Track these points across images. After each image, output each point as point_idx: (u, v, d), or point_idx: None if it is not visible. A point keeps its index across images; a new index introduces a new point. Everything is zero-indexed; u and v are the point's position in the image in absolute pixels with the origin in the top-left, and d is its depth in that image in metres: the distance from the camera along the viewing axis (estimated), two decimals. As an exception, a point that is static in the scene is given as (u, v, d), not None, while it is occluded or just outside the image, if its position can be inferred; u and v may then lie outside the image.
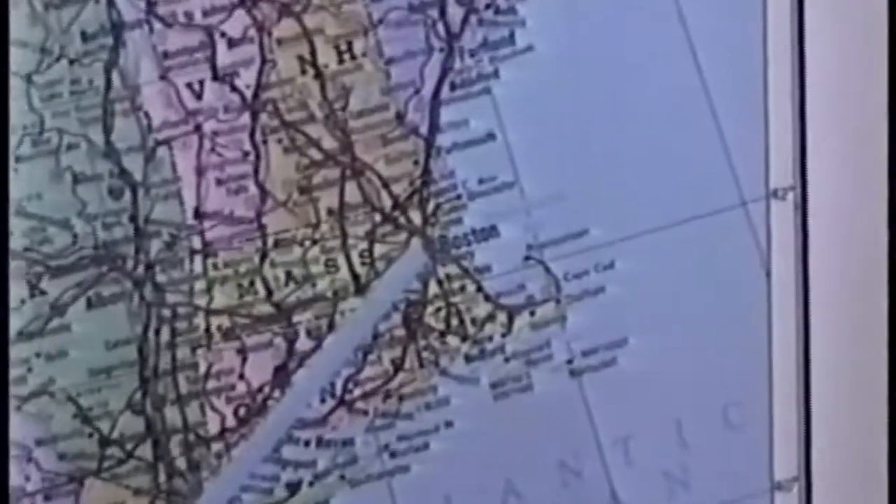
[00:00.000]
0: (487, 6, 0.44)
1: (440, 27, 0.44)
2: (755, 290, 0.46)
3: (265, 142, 0.44)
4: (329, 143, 0.44)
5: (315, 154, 0.45)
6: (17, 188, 0.44)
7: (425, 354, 0.45)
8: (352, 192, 0.45)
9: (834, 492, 0.47)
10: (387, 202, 0.45)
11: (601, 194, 0.46)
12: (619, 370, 0.46)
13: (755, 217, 0.46)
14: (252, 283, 0.45)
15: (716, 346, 0.46)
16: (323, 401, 0.45)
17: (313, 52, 0.44)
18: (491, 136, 0.45)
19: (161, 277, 0.44)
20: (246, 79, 0.44)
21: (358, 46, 0.44)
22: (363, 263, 0.45)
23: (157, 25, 0.43)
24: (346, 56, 0.44)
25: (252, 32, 0.44)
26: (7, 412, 0.42)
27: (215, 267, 0.45)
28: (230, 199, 0.44)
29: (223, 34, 0.44)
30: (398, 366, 0.45)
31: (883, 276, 0.46)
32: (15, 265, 0.44)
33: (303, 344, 0.45)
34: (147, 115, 0.44)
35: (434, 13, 0.44)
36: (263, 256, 0.45)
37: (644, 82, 0.45)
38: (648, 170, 0.46)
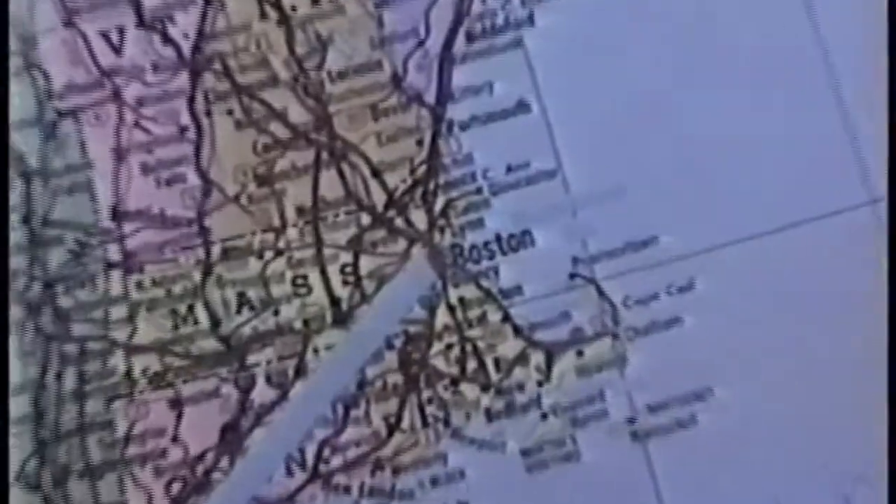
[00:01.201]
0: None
1: (453, -45, 0.40)
2: (883, 321, 0.39)
3: (210, 113, 0.40)
4: (298, 115, 0.40)
5: (279, 131, 0.40)
6: None
7: (431, 409, 0.40)
8: (330, 184, 0.40)
9: None
10: (378, 197, 0.40)
11: (675, 189, 0.40)
12: (701, 432, 0.39)
13: (883, 221, 0.39)
14: (191, 310, 0.40)
15: (830, 400, 0.39)
16: (289, 473, 0.40)
17: (277, -11, 0.40)
18: (523, 107, 0.40)
19: (65, 301, 0.40)
20: (183, 25, 0.40)
21: (339, -19, 0.40)
22: (345, 283, 0.40)
23: (60, -48, 0.40)
24: (323, -6, 0.39)
25: (192, -40, 0.40)
26: (7, 415, 0.38)
27: (140, 287, 0.40)
28: (161, 192, 0.40)
29: (152, -37, 0.39)
30: (393, 425, 0.40)
31: None
32: None
33: (261, 394, 0.40)
34: (46, 75, 0.40)
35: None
36: (207, 272, 0.40)
37: (736, 38, 0.40)
38: (739, 157, 0.40)
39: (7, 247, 0.39)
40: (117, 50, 0.40)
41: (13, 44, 0.39)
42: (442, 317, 0.40)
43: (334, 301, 0.40)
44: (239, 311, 0.40)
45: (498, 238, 0.40)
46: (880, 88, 0.39)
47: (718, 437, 0.39)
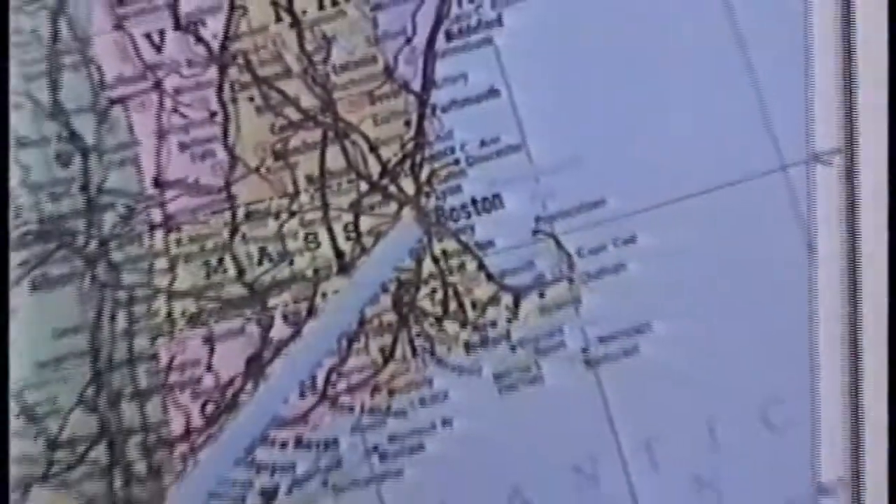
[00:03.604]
0: (488, -59, 0.41)
1: (434, -33, 0.41)
2: (796, 267, 0.41)
3: (235, 100, 0.41)
4: (308, 101, 0.41)
5: (292, 114, 0.41)
6: (-50, 154, 0.40)
7: (419, 342, 0.41)
8: (334, 157, 0.41)
9: (886, 494, 0.42)
10: (374, 168, 0.41)
11: (620, 158, 0.41)
12: (643, 360, 0.41)
13: (796, 183, 0.41)
14: (221, 261, 0.41)
15: (752, 334, 0.41)
16: (303, 395, 0.41)
17: (289, -3, 0.41)
18: (494, 93, 0.41)
19: (116, 255, 0.41)
20: (213, 28, 0.41)
21: (341, -11, 0.41)
22: (348, 238, 0.41)
23: (112, -33, 0.40)
24: (327, 1, 0.41)
25: (220, -26, 0.40)
26: (7, 412, 0.40)
27: (179, 243, 0.41)
28: (195, 165, 0.41)
29: (187, -24, 0.41)
30: (388, 355, 0.41)
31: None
32: (-51, 242, 0.41)
33: (279, 331, 0.41)
34: (100, 69, 0.41)
35: (427, -50, 0.41)
36: (234, 230, 0.41)
37: (669, 31, 0.41)
38: (674, 130, 0.41)
39: (7, 247, 0.40)
40: (158, 48, 0.41)
41: (73, 44, 0.40)
42: (427, 266, 0.41)
43: (339, 253, 0.41)
44: (260, 263, 0.41)
45: (473, 201, 0.41)
46: (796, 58, 0.41)
47: (658, 365, 0.41)
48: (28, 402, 0.41)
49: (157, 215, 0.41)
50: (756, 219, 0.41)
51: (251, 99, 0.41)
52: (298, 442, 0.41)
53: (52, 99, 0.41)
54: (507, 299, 0.42)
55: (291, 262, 0.41)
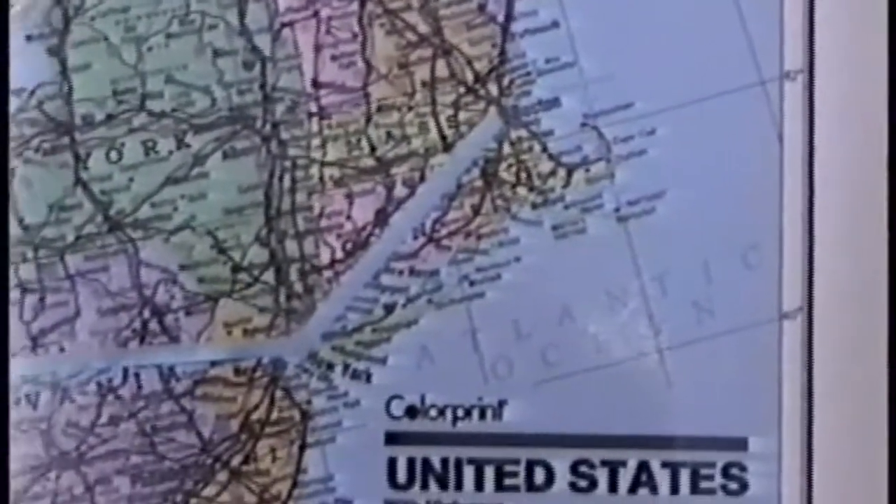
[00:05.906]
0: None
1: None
2: (770, 151, 0.47)
3: (371, 25, 0.47)
4: (423, 27, 0.47)
5: (411, 36, 0.47)
6: (167, 60, 0.49)
7: (499, 202, 0.47)
8: (441, 68, 0.48)
9: (833, 321, 0.47)
10: (470, 77, 0.47)
11: (645, 73, 0.48)
12: (658, 217, 0.47)
13: (772, 94, 0.47)
14: (358, 141, 0.47)
15: (737, 199, 0.47)
16: (415, 238, 0.48)
17: (412, -47, 0.47)
18: (555, 24, 0.48)
19: (284, 135, 0.47)
20: None
21: (448, -50, 0.47)
22: (450, 127, 0.47)
23: (282, -69, 0.44)
24: (438, -43, 0.46)
25: (360, -63, 0.44)
26: (7, 411, 0.43)
27: (329, 127, 0.47)
28: (342, 71, 0.47)
29: (337, -61, 0.47)
30: (477, 210, 0.47)
31: (881, 143, 0.47)
32: (163, 123, 0.48)
33: (399, 191, 0.47)
34: (275, 1, 0.47)
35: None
36: (368, 119, 0.47)
37: None
38: (684, 52, 0.47)
39: (7, 247, 0.43)
40: (316, -13, 0.47)
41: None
42: (506, 148, 0.47)
43: (443, 137, 0.47)
44: (387, 143, 0.47)
45: (540, 102, 0.47)
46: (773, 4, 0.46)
47: (669, 221, 0.47)
48: (219, 238, 0.48)
49: (313, 107, 0.47)
50: (742, 117, 0.47)
51: (382, 25, 0.47)
52: (411, 271, 0.48)
53: (240, 22, 0.47)
54: (562, 173, 0.48)
55: (409, 143, 0.47)
